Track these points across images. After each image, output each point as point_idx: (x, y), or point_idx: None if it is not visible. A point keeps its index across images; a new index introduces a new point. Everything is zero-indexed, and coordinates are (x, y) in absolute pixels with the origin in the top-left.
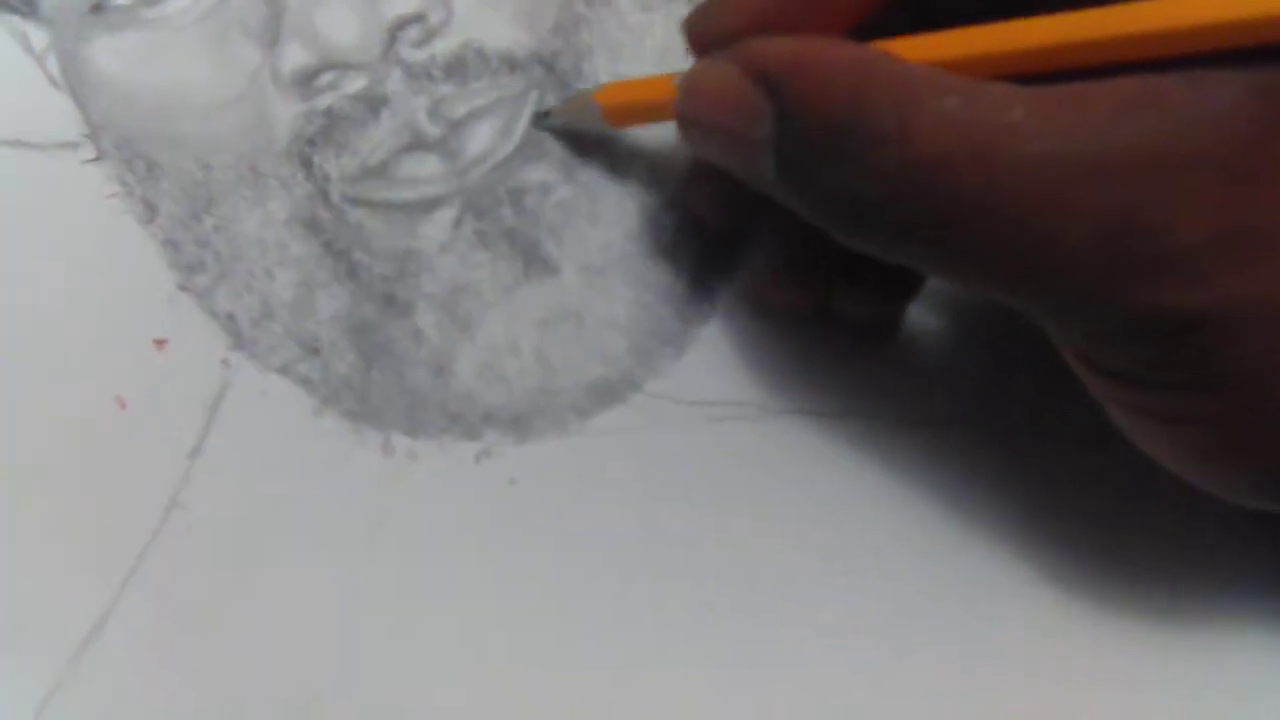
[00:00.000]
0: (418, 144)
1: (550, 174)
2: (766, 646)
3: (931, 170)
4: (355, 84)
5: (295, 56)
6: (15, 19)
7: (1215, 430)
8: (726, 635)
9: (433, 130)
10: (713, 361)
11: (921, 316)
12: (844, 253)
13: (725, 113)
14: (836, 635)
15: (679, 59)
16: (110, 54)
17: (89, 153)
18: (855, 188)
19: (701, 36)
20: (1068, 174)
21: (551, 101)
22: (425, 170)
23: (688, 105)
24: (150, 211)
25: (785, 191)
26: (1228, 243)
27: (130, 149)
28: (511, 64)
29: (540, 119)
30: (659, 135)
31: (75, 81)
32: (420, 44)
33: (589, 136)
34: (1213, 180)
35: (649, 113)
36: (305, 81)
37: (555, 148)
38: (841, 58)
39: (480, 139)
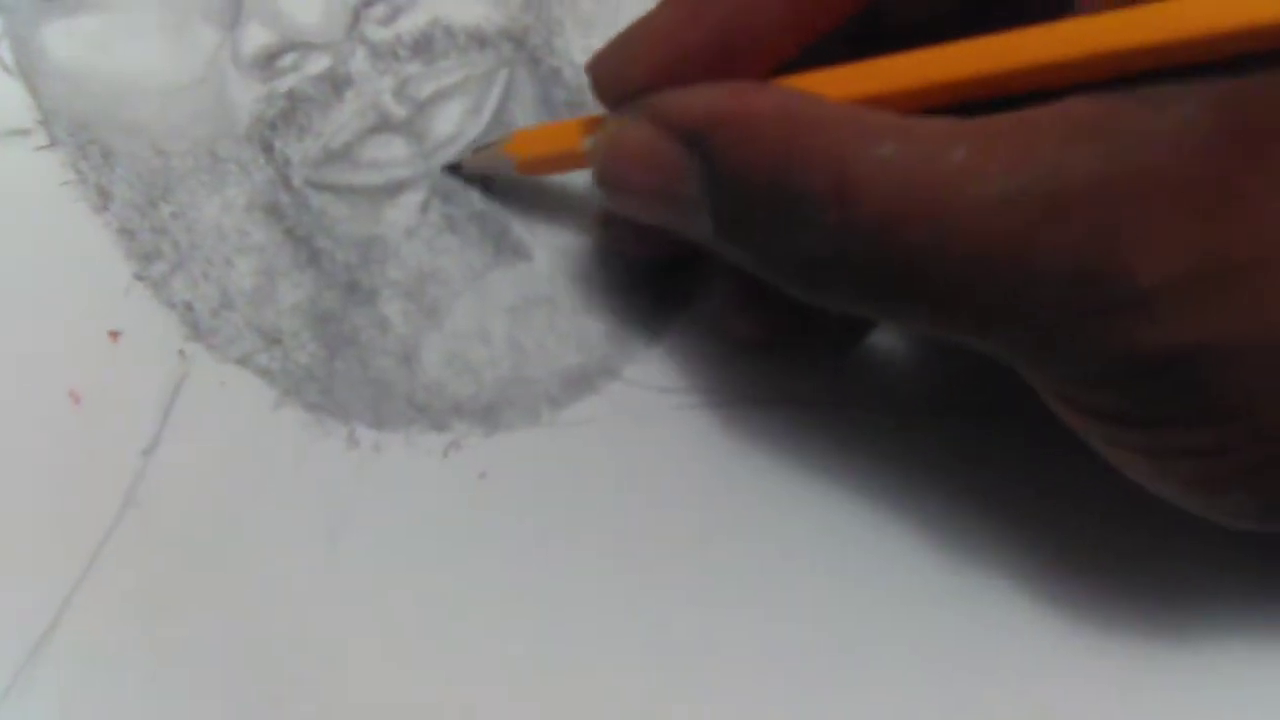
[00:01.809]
0: (383, 126)
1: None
2: (744, 639)
3: (876, 227)
4: (318, 64)
5: (256, 37)
6: None
7: (1215, 462)
8: (702, 628)
9: (398, 111)
10: (689, 348)
11: None
12: None
13: (649, 175)
14: (813, 628)
15: None
16: (64, 38)
17: (41, 140)
18: (799, 247)
19: (609, 87)
20: (1021, 214)
21: (524, 82)
22: (391, 153)
23: (607, 169)
24: (105, 199)
25: (727, 249)
26: (1199, 276)
27: (84, 135)
28: (480, 41)
29: (451, 170)
30: None
31: (28, 67)
32: (386, 22)
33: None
34: (1176, 209)
35: (564, 163)
36: (266, 63)
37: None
38: (764, 107)
39: (448, 120)
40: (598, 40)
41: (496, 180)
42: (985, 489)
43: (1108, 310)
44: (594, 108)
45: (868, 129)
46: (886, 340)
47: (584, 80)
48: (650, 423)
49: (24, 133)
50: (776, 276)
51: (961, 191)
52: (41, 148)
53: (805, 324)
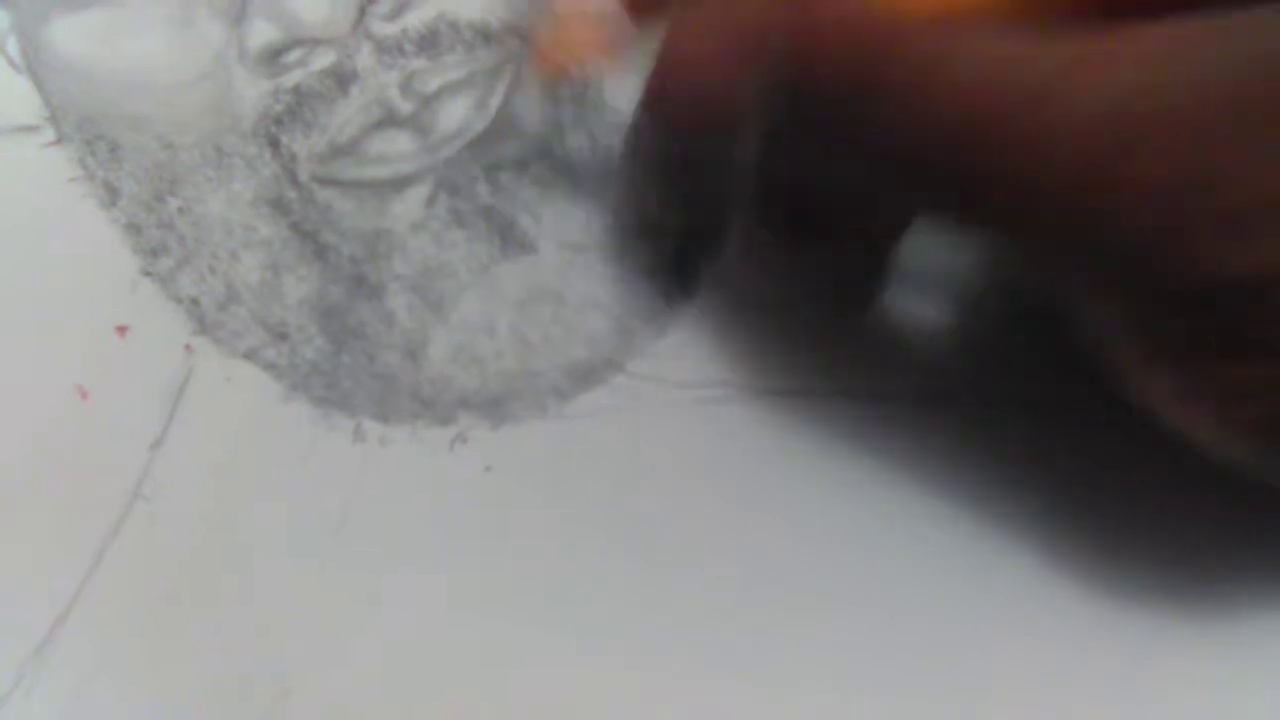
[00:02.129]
0: (389, 121)
1: (526, 149)
2: (753, 633)
3: (959, 126)
4: (324, 60)
5: (262, 33)
6: None
7: None
8: (711, 622)
9: (404, 106)
10: (698, 341)
11: (915, 295)
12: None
13: (711, 82)
14: (825, 621)
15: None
16: (72, 33)
17: (49, 136)
18: (879, 148)
19: None
20: (1132, 124)
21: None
22: (397, 147)
23: (668, 75)
24: (112, 195)
25: (777, 162)
26: None
27: (92, 131)
28: (486, 36)
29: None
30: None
31: (35, 63)
32: (391, 17)
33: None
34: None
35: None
36: (272, 58)
37: (532, 122)
38: (839, 11)
39: (454, 114)
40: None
41: (504, 170)
42: (998, 477)
43: (1211, 223)
44: (599, 107)
45: (953, 31)
46: (901, 328)
47: (589, 75)
48: (657, 416)
49: (32, 129)
50: (833, 185)
51: (1069, 93)
52: (49, 144)
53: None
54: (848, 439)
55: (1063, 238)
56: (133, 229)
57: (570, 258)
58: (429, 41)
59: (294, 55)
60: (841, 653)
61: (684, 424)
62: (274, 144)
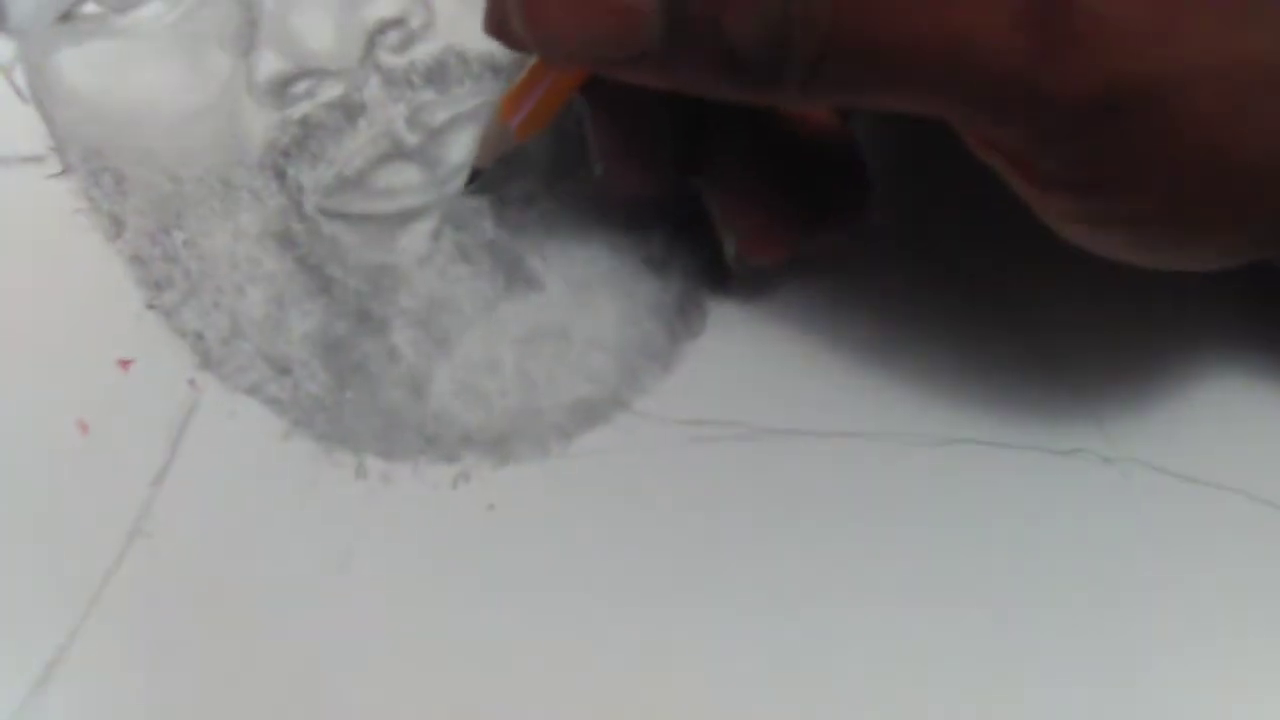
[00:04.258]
0: (396, 153)
1: (533, 184)
2: (756, 672)
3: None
4: (331, 91)
5: (270, 63)
6: None
7: (1172, 205)
8: (714, 664)
9: (412, 139)
10: (702, 379)
11: (920, 332)
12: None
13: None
14: (827, 659)
15: None
16: (78, 64)
17: (55, 167)
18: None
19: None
20: None
21: None
22: (404, 180)
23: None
24: (118, 227)
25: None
26: (1154, 11)
27: (98, 162)
28: (494, 69)
29: (469, 191)
30: None
31: (42, 93)
32: (399, 49)
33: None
34: None
35: (546, 95)
36: (280, 89)
37: (539, 157)
38: None
39: (461, 147)
40: None
41: (511, 205)
42: (1001, 514)
43: (1064, 41)
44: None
45: None
46: (906, 368)
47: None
48: (660, 454)
49: (37, 160)
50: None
51: None
52: (54, 175)
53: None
54: (858, 480)
55: (937, 74)
56: (137, 261)
57: (575, 295)
58: (437, 74)
59: (302, 86)
60: (843, 690)
61: (686, 463)
62: (280, 176)
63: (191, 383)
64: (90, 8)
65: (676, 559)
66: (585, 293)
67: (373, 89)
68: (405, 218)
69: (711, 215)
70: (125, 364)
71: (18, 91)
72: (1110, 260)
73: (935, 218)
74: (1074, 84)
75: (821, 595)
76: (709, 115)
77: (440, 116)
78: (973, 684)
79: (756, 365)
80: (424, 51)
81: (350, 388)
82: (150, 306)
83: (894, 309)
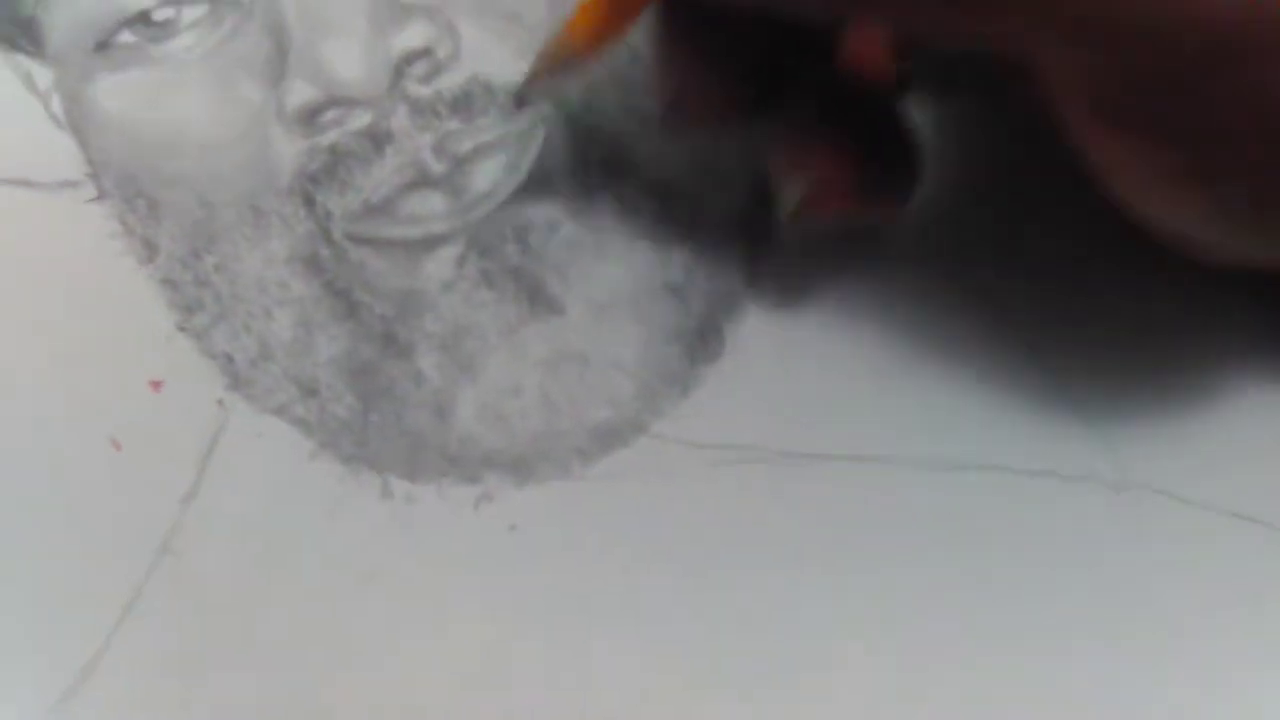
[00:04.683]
0: (422, 181)
1: (556, 211)
2: (777, 699)
3: None
4: (360, 120)
5: (300, 93)
6: (21, 58)
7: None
8: (735, 687)
9: (438, 167)
10: (720, 402)
11: (933, 355)
12: None
13: None
14: (848, 685)
15: None
16: (114, 92)
17: (90, 192)
18: None
19: None
20: None
21: (560, 139)
22: (429, 207)
23: None
24: (150, 251)
25: None
26: None
27: (132, 188)
28: (520, 99)
29: (521, 96)
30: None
31: (78, 120)
32: (426, 79)
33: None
34: None
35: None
36: (309, 118)
37: (563, 184)
38: None
39: (486, 175)
40: (635, 97)
41: (534, 230)
42: (1028, 543)
43: None
44: (628, 169)
45: None
46: (929, 391)
47: (621, 137)
48: (680, 477)
49: (73, 185)
50: None
51: None
52: (90, 200)
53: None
54: (879, 504)
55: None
56: (169, 285)
57: (597, 319)
58: (463, 103)
59: (331, 115)
60: (856, 715)
61: (706, 486)
62: (309, 202)
63: (220, 403)
64: (126, 37)
65: (696, 582)
66: (606, 317)
67: (400, 118)
68: (431, 244)
69: (773, 165)
70: (156, 384)
71: (55, 118)
72: (1146, 263)
73: (952, 240)
74: (1205, 16)
75: (839, 619)
76: (786, 56)
77: (465, 145)
78: (980, 713)
79: (773, 389)
80: (450, 81)
81: (376, 410)
82: (181, 329)
83: (908, 332)
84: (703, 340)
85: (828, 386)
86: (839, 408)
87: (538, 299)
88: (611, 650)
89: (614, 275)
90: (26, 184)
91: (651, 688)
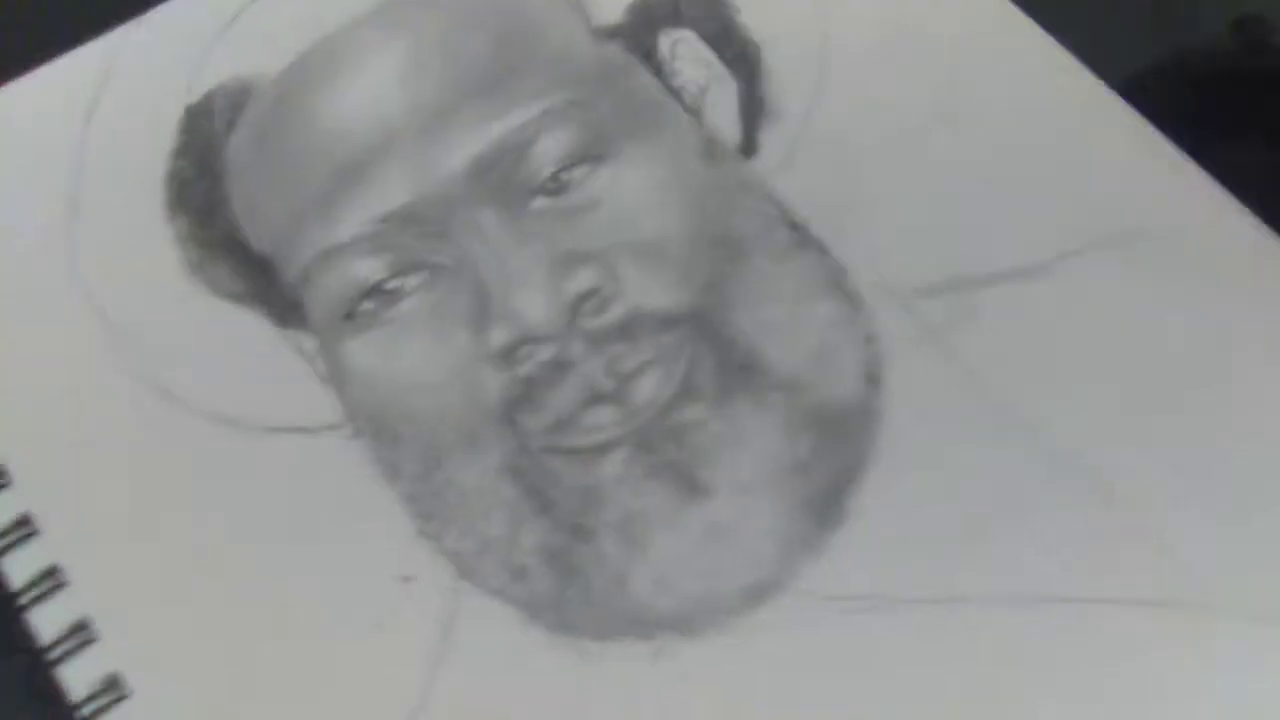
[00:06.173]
0: (596, 398)
1: (704, 411)
2: None
3: None
4: (547, 353)
5: (501, 336)
6: (292, 331)
7: None
8: None
9: (608, 384)
10: (847, 560)
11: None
12: None
13: None
14: None
15: (813, 303)
16: (360, 351)
17: (348, 432)
18: None
19: None
20: None
21: (706, 351)
22: (603, 418)
23: None
24: (395, 474)
25: None
26: None
27: (378, 424)
28: (671, 321)
29: None
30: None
31: (336, 375)
32: (596, 314)
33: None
34: None
35: None
36: (508, 355)
37: (707, 388)
38: None
39: (646, 387)
40: (765, 311)
41: (685, 430)
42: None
43: None
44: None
45: None
46: (1037, 530)
47: (756, 345)
48: (815, 627)
49: (335, 427)
50: None
51: None
52: (349, 437)
53: None
54: (994, 646)
55: None
56: (410, 499)
57: (739, 498)
58: (626, 330)
59: (524, 351)
60: None
61: (836, 632)
62: (511, 423)
63: (454, 590)
64: (366, 306)
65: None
66: (748, 496)
67: (578, 348)
68: (605, 448)
69: None
70: (406, 580)
71: (320, 375)
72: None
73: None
74: None
75: None
76: None
77: (629, 364)
78: None
79: (892, 545)
80: (615, 314)
81: (570, 586)
82: (421, 533)
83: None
84: (826, 509)
85: (937, 537)
86: (945, 553)
87: (692, 486)
88: None
89: (753, 460)
90: (303, 430)
91: None
